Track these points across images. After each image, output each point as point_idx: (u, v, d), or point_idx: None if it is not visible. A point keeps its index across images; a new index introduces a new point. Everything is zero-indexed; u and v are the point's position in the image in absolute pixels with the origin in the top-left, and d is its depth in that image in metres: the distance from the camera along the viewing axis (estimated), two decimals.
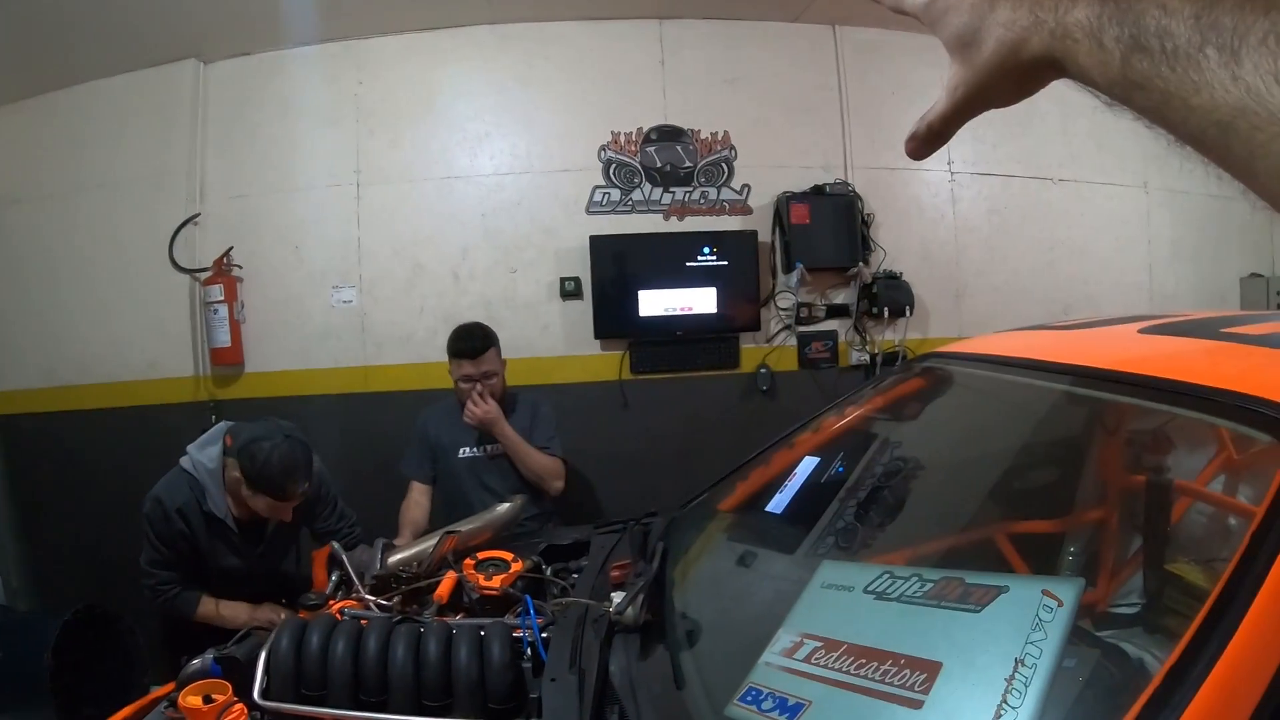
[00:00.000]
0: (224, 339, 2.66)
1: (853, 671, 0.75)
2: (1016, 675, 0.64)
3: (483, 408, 1.96)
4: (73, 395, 2.91)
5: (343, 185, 2.71)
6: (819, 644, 0.80)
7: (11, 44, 2.59)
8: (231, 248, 2.69)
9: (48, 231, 2.96)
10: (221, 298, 2.65)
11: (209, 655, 1.12)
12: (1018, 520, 1.11)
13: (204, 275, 2.71)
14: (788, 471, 1.36)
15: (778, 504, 1.31)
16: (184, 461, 1.68)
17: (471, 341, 2.02)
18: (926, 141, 0.38)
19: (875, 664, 0.74)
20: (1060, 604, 0.69)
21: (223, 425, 1.75)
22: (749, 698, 0.80)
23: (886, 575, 0.84)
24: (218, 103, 2.82)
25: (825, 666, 0.78)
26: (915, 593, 0.79)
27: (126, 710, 1.20)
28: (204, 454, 1.68)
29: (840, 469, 1.38)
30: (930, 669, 0.70)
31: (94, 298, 2.88)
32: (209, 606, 1.70)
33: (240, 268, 2.70)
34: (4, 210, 3.04)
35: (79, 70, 2.86)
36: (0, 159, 3.03)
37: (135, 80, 2.86)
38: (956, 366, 1.44)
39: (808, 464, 1.37)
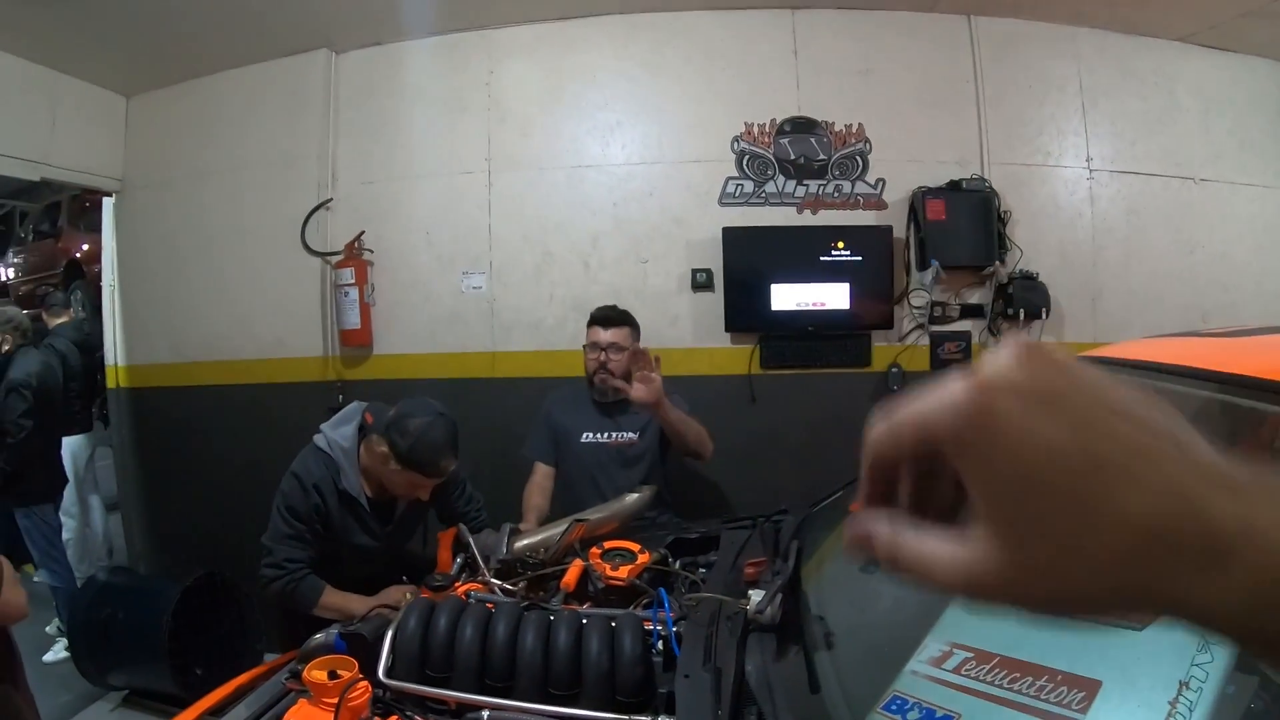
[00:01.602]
0: (354, 320, 2.70)
1: (1005, 685, 0.70)
2: (1180, 699, 0.60)
3: (650, 383, 1.83)
4: (201, 371, 3.01)
5: (474, 172, 2.72)
6: (969, 654, 0.75)
7: (152, 34, 2.69)
8: (363, 232, 2.73)
9: (182, 213, 3.07)
10: (352, 280, 2.69)
11: (333, 630, 1.11)
12: None
13: (335, 258, 2.76)
14: None
15: None
16: (318, 439, 1.68)
17: (609, 310, 2.07)
18: (878, 563, 0.27)
19: (1030, 679, 0.69)
20: None
21: (357, 405, 1.74)
22: (893, 706, 0.75)
23: None
24: (349, 91, 2.87)
25: (976, 679, 0.72)
26: None
27: (244, 677, 1.22)
28: (338, 433, 1.67)
29: None
30: (1089, 688, 0.65)
31: (225, 278, 2.97)
32: (333, 598, 1.63)
33: (371, 251, 2.74)
34: (141, 193, 3.17)
35: (215, 60, 2.97)
36: (139, 144, 3.17)
37: (269, 69, 2.95)
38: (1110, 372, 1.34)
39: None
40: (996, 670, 0.71)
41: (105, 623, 2.59)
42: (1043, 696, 0.66)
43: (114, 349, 3.22)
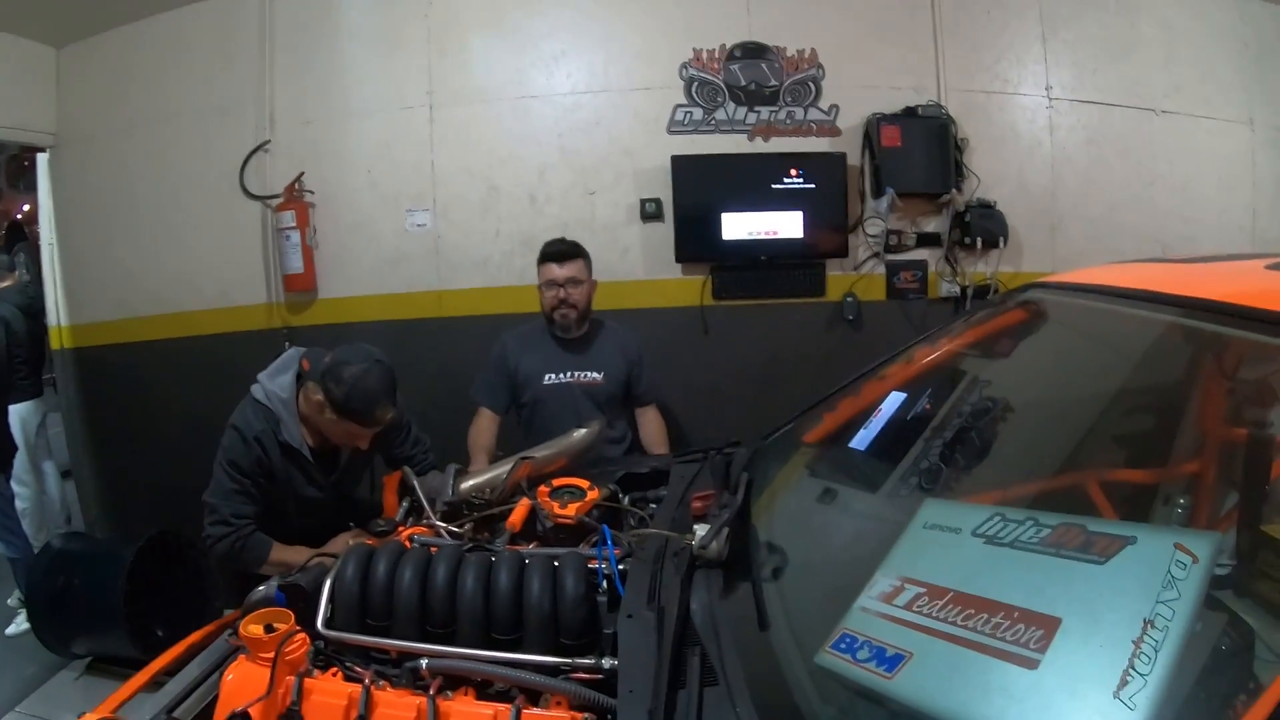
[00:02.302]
0: (296, 265, 2.63)
1: (959, 623, 0.67)
2: (1145, 638, 0.57)
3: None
4: (146, 326, 2.92)
5: (415, 108, 2.63)
6: (922, 590, 0.72)
7: None
8: (303, 173, 2.65)
9: (119, 166, 2.96)
10: (294, 224, 2.61)
11: (273, 583, 1.08)
12: (1114, 466, 1.01)
13: (275, 202, 2.67)
14: (875, 405, 1.27)
15: (864, 439, 1.22)
16: (255, 391, 1.61)
17: (561, 244, 2.00)
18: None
19: (985, 616, 0.65)
20: (1195, 560, 0.60)
21: (293, 351, 1.68)
22: (842, 645, 0.73)
23: (998, 518, 0.75)
24: (284, 29, 2.76)
25: (929, 615, 0.69)
26: (1030, 538, 0.70)
27: (196, 634, 1.19)
28: (275, 383, 1.60)
29: (926, 406, 1.27)
30: (1048, 625, 0.61)
31: (165, 229, 2.88)
32: (281, 553, 1.58)
33: (312, 193, 2.65)
34: (76, 147, 3.06)
35: (145, 3, 2.84)
36: (72, 96, 3.05)
37: (201, 10, 2.83)
38: (1062, 297, 1.30)
39: (896, 398, 1.27)
40: (950, 606, 0.68)
41: (63, 590, 2.53)
42: (999, 634, 0.63)
43: (56, 309, 3.12)
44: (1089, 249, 2.85)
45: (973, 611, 0.66)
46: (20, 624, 2.87)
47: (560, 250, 1.97)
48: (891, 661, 0.67)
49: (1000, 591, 0.66)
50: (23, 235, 4.10)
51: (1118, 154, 2.93)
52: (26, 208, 3.99)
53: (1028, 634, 0.61)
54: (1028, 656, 0.60)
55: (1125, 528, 0.67)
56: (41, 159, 3.15)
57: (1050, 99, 2.90)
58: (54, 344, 3.15)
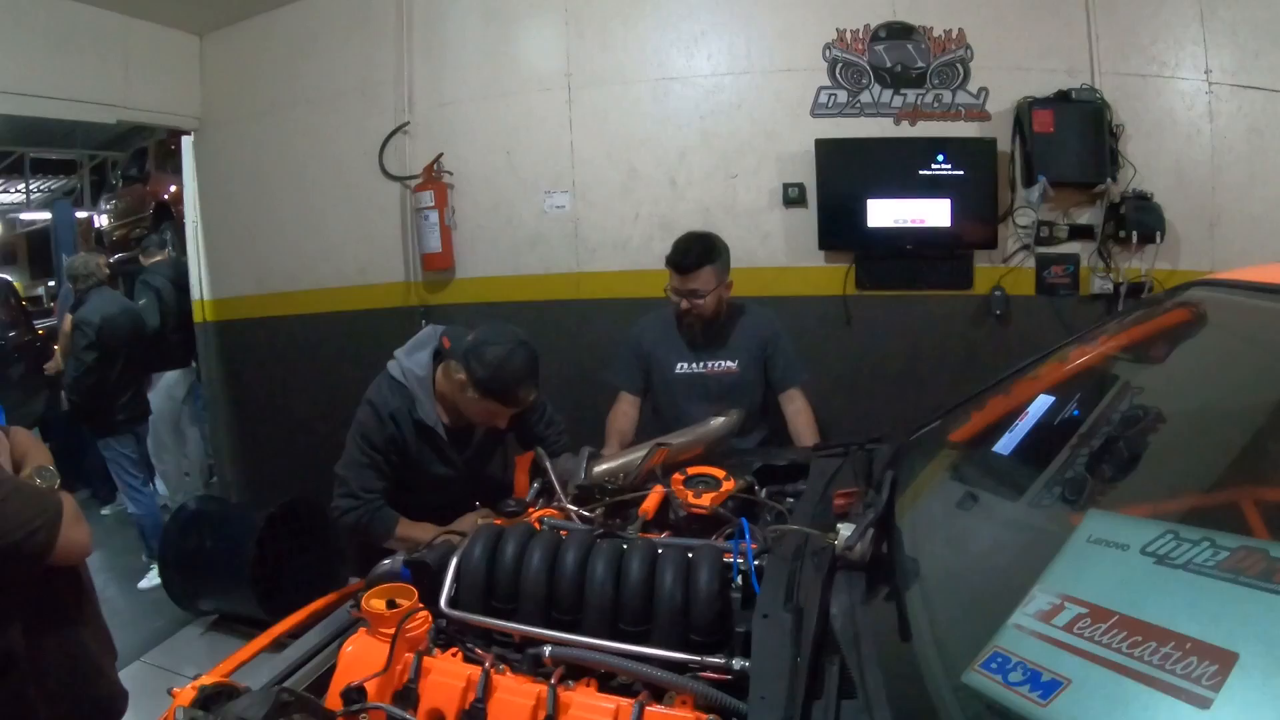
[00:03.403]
0: (434, 245, 2.68)
1: (1124, 650, 0.60)
2: None
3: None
4: (285, 302, 3.04)
5: (553, 89, 2.65)
6: (1084, 610, 0.65)
7: None
8: (441, 154, 2.70)
9: (259, 147, 3.10)
10: (432, 204, 2.67)
11: (399, 558, 1.07)
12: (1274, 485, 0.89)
13: (414, 182, 2.73)
14: (1022, 408, 1.17)
15: (1009, 443, 1.12)
16: (391, 367, 1.62)
17: (684, 257, 1.86)
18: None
19: (1154, 644, 0.58)
20: None
21: (432, 329, 1.68)
22: (993, 664, 0.66)
23: (1170, 536, 0.67)
24: (422, 12, 2.82)
25: (1090, 640, 0.62)
26: (1206, 561, 0.63)
27: (319, 602, 1.19)
28: (412, 360, 1.61)
29: (1076, 412, 1.17)
30: (1223, 659, 0.54)
31: (305, 209, 2.99)
32: (408, 529, 1.59)
33: (451, 174, 2.70)
34: (219, 129, 3.21)
35: None
36: (215, 82, 3.20)
37: None
38: (1230, 296, 1.18)
39: (1043, 402, 1.16)
40: (1114, 631, 0.62)
41: (195, 550, 2.67)
42: (1167, 666, 0.57)
43: (199, 284, 3.29)
44: (1250, 247, 2.65)
45: (1140, 638, 0.60)
46: (152, 579, 3.04)
47: (682, 262, 1.85)
48: (1047, 687, 0.61)
49: (1171, 618, 0.60)
50: (169, 215, 4.35)
51: None
52: (174, 189, 4.21)
53: (1200, 668, 0.55)
54: (1199, 694, 0.54)
55: None
56: (186, 142, 3.33)
57: (1210, 83, 2.70)
58: (196, 317, 3.32)
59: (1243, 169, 2.69)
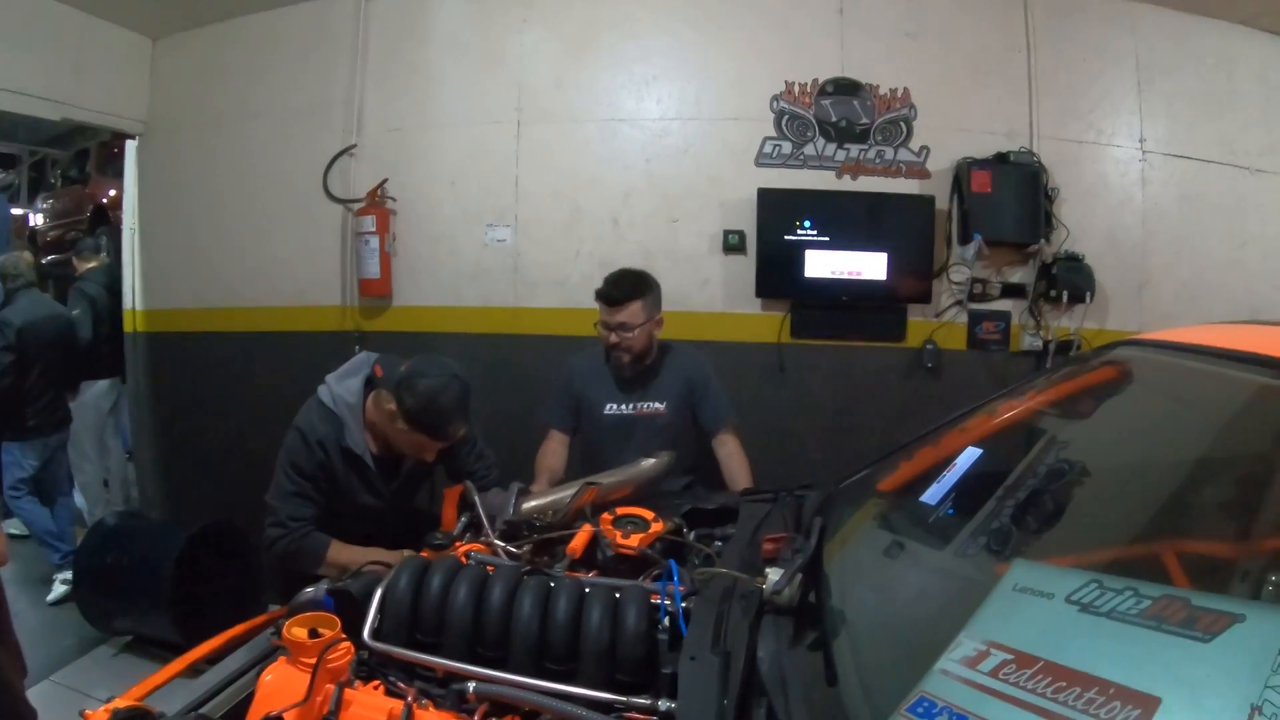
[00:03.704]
0: (374, 270, 2.65)
1: (1049, 695, 0.62)
2: None
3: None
4: (219, 317, 2.97)
5: (503, 123, 2.64)
6: (1009, 656, 0.67)
7: None
8: (386, 180, 2.67)
9: (205, 158, 3.03)
10: (373, 229, 2.64)
11: (322, 586, 1.06)
12: (1196, 537, 0.94)
13: (357, 205, 2.70)
14: (950, 459, 1.20)
15: (936, 493, 1.15)
16: (321, 393, 1.60)
17: (614, 290, 1.87)
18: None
19: (1078, 690, 0.61)
20: None
21: (365, 356, 1.66)
22: (919, 709, 0.68)
23: (1095, 585, 0.70)
24: (378, 36, 2.80)
25: (1016, 685, 0.65)
26: (1130, 609, 0.66)
27: (239, 627, 1.17)
28: (343, 386, 1.59)
29: (1009, 462, 1.21)
30: (1146, 704, 0.57)
31: (246, 224, 2.93)
32: (340, 553, 1.55)
33: (394, 200, 2.68)
34: (165, 136, 3.14)
35: (242, 2, 2.90)
36: (164, 87, 3.14)
37: (297, 12, 2.89)
38: (1153, 355, 1.23)
39: (974, 453, 1.20)
40: (1039, 677, 0.64)
41: (111, 567, 2.57)
42: (1091, 710, 0.59)
43: (133, 293, 3.19)
44: (1178, 310, 2.76)
45: (1064, 684, 0.62)
46: (57, 590, 2.93)
47: (611, 294, 1.86)
48: None
49: (1095, 664, 0.62)
50: (106, 219, 4.23)
51: (1211, 212, 2.83)
52: (113, 193, 4.11)
53: (1124, 713, 0.57)
54: None
55: (1233, 604, 0.62)
56: (130, 146, 3.24)
57: (1144, 152, 2.82)
58: (126, 326, 3.22)
59: (1172, 235, 2.81)
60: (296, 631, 0.88)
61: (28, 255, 3.31)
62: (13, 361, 2.90)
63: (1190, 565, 0.83)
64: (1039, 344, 2.66)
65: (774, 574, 0.97)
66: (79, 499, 3.49)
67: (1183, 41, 2.79)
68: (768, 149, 2.59)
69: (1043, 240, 2.63)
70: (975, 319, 2.64)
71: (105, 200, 4.41)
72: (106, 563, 2.59)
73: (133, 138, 3.21)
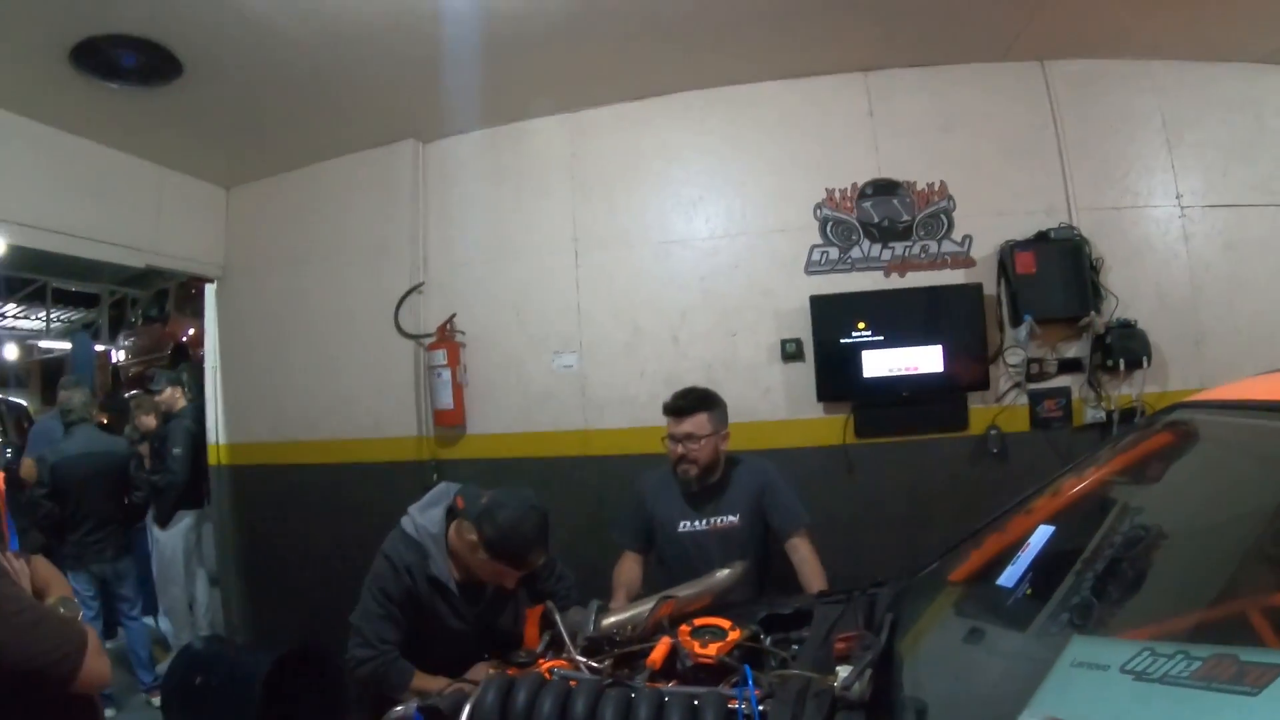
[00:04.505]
0: (447, 401, 2.78)
1: None
2: None
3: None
4: (299, 450, 3.12)
5: (561, 252, 2.79)
6: None
7: (250, 130, 2.85)
8: (454, 314, 2.82)
9: (280, 298, 3.23)
10: (445, 362, 2.78)
11: (413, 704, 1.11)
12: (1276, 590, 0.94)
13: (428, 340, 2.85)
14: (1022, 540, 1.21)
15: (1011, 575, 1.16)
16: (405, 523, 1.68)
17: (681, 400, 1.96)
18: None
19: None
20: None
21: (446, 486, 1.74)
22: None
23: (1147, 653, 0.72)
24: (436, 178, 2.99)
25: None
26: (1181, 672, 0.68)
27: None
28: (426, 516, 1.67)
29: (1078, 537, 1.24)
30: None
31: (321, 360, 3.09)
32: (423, 681, 1.60)
33: (463, 333, 2.82)
34: (241, 279, 3.35)
35: (309, 152, 3.13)
36: (239, 233, 3.36)
37: (360, 159, 3.10)
38: (1209, 415, 1.25)
39: (1043, 532, 1.22)
40: None
41: (199, 688, 2.66)
42: None
43: (216, 428, 3.38)
44: (1237, 359, 2.73)
45: None
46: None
47: (679, 406, 1.93)
48: None
49: None
50: (187, 356, 4.48)
51: (1258, 255, 2.81)
52: (191, 331, 4.36)
53: None
54: None
55: (1279, 655, 0.64)
56: (209, 289, 3.47)
57: (1182, 207, 2.83)
58: (211, 460, 3.41)
59: (1221, 285, 2.80)
60: None
61: (80, 393, 3.45)
62: (47, 494, 3.07)
63: (1275, 618, 0.84)
64: (1102, 415, 2.67)
65: (844, 670, 1.01)
66: (165, 623, 3.67)
67: (1205, 89, 2.81)
68: (816, 256, 2.68)
69: (1093, 312, 2.65)
70: (1036, 399, 2.66)
71: (185, 338, 4.69)
72: (194, 684, 2.69)
73: (211, 281, 3.45)
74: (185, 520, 3.54)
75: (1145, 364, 2.64)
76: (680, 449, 1.93)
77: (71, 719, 1.13)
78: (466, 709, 1.04)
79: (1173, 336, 2.74)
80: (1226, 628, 0.91)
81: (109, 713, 3.08)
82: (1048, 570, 1.17)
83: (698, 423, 1.92)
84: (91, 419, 3.35)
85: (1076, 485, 1.43)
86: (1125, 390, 2.70)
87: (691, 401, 1.95)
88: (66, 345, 6.68)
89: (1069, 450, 2.62)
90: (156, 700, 3.11)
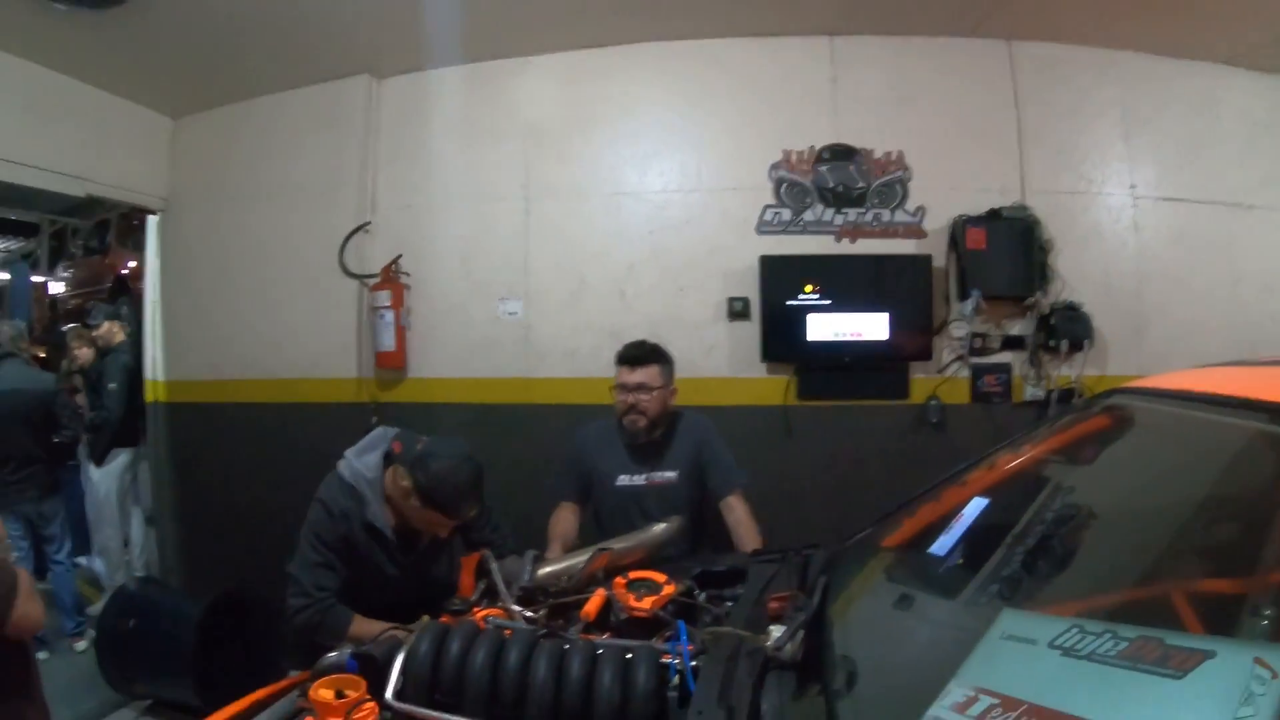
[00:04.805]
0: (389, 343, 2.72)
1: None
2: None
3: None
4: (237, 388, 3.05)
5: (510, 200, 2.73)
6: (996, 701, 0.72)
7: (199, 58, 2.74)
8: (400, 256, 2.76)
9: (224, 233, 3.13)
10: (388, 303, 2.72)
11: (346, 650, 1.11)
12: (1200, 576, 0.98)
13: (372, 281, 2.79)
14: (956, 511, 1.24)
15: (944, 545, 1.19)
16: (342, 468, 1.65)
17: (635, 349, 1.97)
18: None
19: None
20: (1275, 675, 0.59)
21: (383, 431, 1.72)
22: None
23: (1076, 630, 0.74)
24: (390, 116, 2.91)
25: None
26: (1108, 651, 0.70)
27: (261, 692, 1.18)
28: (362, 461, 1.64)
29: (1011, 512, 1.26)
30: None
31: (263, 298, 3.01)
32: (361, 626, 1.58)
33: (408, 275, 2.76)
34: (184, 212, 3.24)
35: (260, 84, 3.02)
36: (184, 165, 3.25)
37: (313, 94, 3.00)
38: (1145, 403, 1.28)
39: (977, 505, 1.24)
40: (1023, 719, 0.68)
41: (132, 632, 2.61)
42: None
43: (154, 364, 3.28)
44: (1175, 350, 2.79)
45: None
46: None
47: (634, 355, 1.94)
48: None
49: (1075, 705, 0.66)
50: (127, 290, 4.33)
51: (1204, 252, 2.88)
52: (132, 264, 4.21)
53: None
54: None
55: (1204, 641, 0.66)
56: (151, 221, 3.35)
57: (1135, 198, 2.88)
58: (148, 396, 3.31)
59: (1166, 277, 2.85)
60: (323, 692, 0.93)
61: (9, 325, 3.32)
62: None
63: (1195, 603, 0.87)
64: (1041, 394, 2.71)
65: (777, 631, 1.01)
66: (98, 564, 3.56)
67: (1167, 85, 2.85)
68: (768, 216, 2.67)
69: (1039, 292, 2.69)
70: (977, 373, 2.69)
71: (125, 271, 4.53)
72: (128, 627, 2.63)
73: (154, 212, 3.33)
74: (121, 458, 3.43)
75: (1087, 346, 2.69)
76: (631, 398, 1.92)
77: (3, 664, 1.10)
78: (400, 657, 1.03)
79: (1115, 322, 2.79)
80: (1151, 609, 0.93)
81: (41, 655, 2.97)
82: (979, 542, 1.18)
83: (650, 374, 1.92)
84: (21, 353, 3.21)
85: (1012, 461, 1.45)
86: (1065, 371, 2.74)
87: (646, 352, 1.95)
88: (4, 276, 6.45)
89: (1007, 425, 2.64)
90: (80, 645, 3.01)
